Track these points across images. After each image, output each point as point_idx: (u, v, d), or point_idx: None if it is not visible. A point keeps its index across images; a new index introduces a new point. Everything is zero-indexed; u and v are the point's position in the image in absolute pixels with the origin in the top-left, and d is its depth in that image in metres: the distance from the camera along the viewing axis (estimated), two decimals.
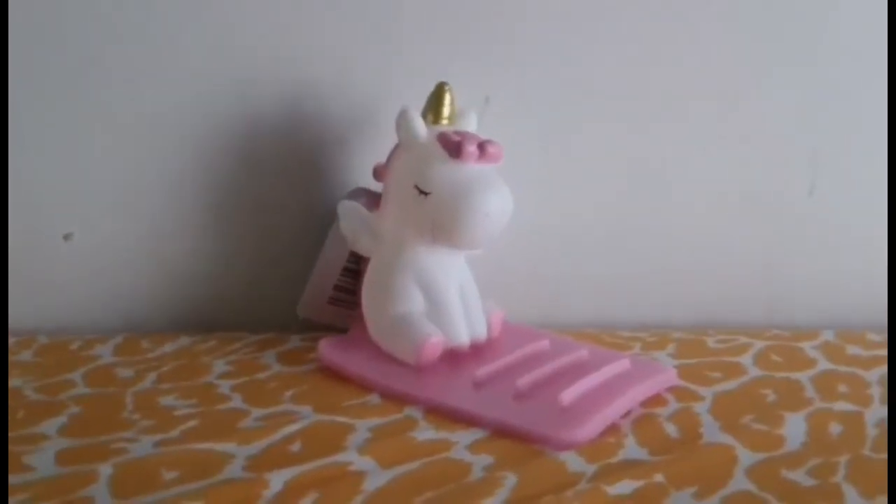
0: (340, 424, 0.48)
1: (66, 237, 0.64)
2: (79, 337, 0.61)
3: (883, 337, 0.63)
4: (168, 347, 0.60)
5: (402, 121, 0.55)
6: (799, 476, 0.44)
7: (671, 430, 0.49)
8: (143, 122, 0.63)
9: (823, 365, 0.58)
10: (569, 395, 0.50)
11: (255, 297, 0.66)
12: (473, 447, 0.46)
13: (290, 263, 0.64)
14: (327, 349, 0.57)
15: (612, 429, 0.48)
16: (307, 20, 0.63)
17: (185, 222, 0.65)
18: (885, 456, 0.46)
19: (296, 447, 0.46)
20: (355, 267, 0.61)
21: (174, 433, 0.47)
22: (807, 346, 0.62)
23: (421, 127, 0.55)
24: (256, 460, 0.44)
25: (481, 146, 0.54)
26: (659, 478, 0.43)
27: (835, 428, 0.49)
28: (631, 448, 0.46)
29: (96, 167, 0.63)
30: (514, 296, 0.63)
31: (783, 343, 0.62)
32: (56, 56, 0.62)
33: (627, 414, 0.50)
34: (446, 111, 0.57)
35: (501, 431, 0.48)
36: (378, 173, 0.58)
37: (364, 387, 0.53)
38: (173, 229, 0.65)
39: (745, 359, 0.59)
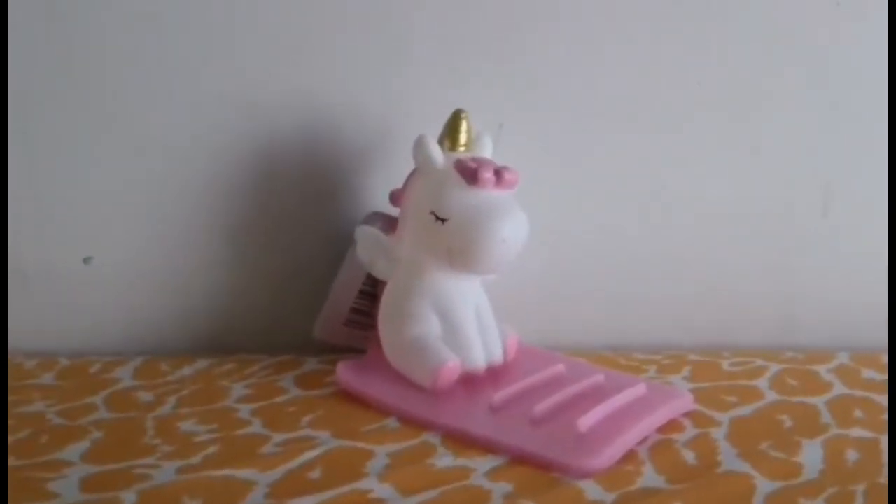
0: (359, 450, 0.49)
1: (86, 261, 0.65)
2: (99, 359, 0.62)
3: None
4: (187, 370, 0.60)
5: (420, 148, 0.56)
6: None
7: (689, 456, 0.49)
8: (162, 148, 0.64)
9: (839, 389, 0.58)
10: (586, 421, 0.50)
11: (274, 318, 0.67)
12: (492, 474, 0.47)
13: (308, 286, 0.65)
14: (345, 373, 0.57)
15: (630, 456, 0.49)
16: (323, 49, 0.63)
17: (204, 246, 0.65)
18: None
19: (316, 474, 0.46)
20: (371, 290, 0.61)
21: (195, 459, 0.47)
22: (822, 370, 0.62)
23: (438, 154, 0.56)
24: (278, 487, 0.45)
25: (498, 173, 0.54)
26: None
27: (851, 455, 0.49)
28: (649, 476, 0.47)
29: (116, 192, 0.64)
30: (530, 318, 0.64)
31: (798, 366, 0.62)
32: (76, 83, 0.62)
33: (644, 440, 0.51)
34: (463, 138, 0.57)
35: (519, 458, 0.48)
36: (395, 198, 0.58)
37: (382, 411, 0.54)
38: (192, 253, 0.65)
39: (761, 382, 0.59)
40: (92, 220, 0.64)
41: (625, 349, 0.67)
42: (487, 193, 0.54)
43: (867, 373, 0.61)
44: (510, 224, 0.54)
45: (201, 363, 0.62)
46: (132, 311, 0.66)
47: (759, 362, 0.63)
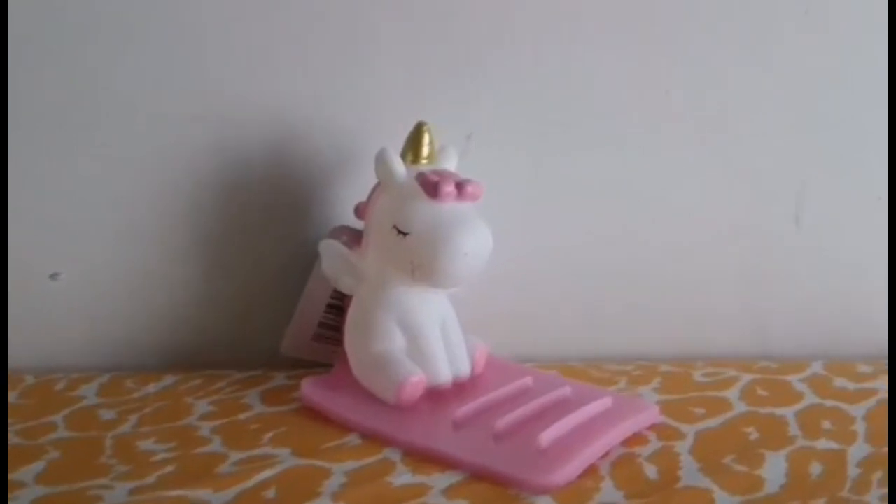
0: (317, 468, 0.48)
1: (53, 276, 0.64)
2: (65, 376, 0.62)
3: (872, 368, 0.63)
4: (152, 387, 0.60)
5: (381, 161, 0.55)
6: None
7: (650, 471, 0.48)
8: (129, 163, 0.63)
9: (810, 399, 0.58)
10: (548, 436, 0.50)
11: (243, 333, 0.67)
12: (449, 492, 0.46)
13: (276, 300, 0.64)
14: (309, 389, 0.57)
15: (591, 471, 0.48)
16: (288, 62, 0.63)
17: (172, 261, 0.65)
18: (863, 498, 0.45)
19: (271, 493, 0.45)
20: (339, 304, 0.61)
21: (150, 479, 0.47)
22: (794, 380, 0.61)
23: (399, 167, 0.55)
24: None
25: (459, 186, 0.54)
26: None
27: (815, 468, 0.48)
28: (608, 491, 0.46)
29: (83, 206, 0.64)
30: (500, 330, 0.63)
31: (770, 376, 0.62)
32: (45, 94, 0.62)
33: (608, 454, 0.50)
34: (425, 150, 0.57)
35: (479, 474, 0.48)
36: (359, 212, 0.58)
37: (345, 427, 0.53)
38: (160, 268, 0.65)
39: (731, 393, 0.59)
40: (58, 236, 0.64)
41: (598, 360, 0.66)
42: (449, 207, 0.54)
43: (839, 382, 0.60)
44: (472, 237, 0.53)
45: (168, 380, 0.61)
46: (100, 327, 0.65)
47: (732, 373, 0.62)
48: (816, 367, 0.63)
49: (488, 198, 0.55)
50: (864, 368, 0.63)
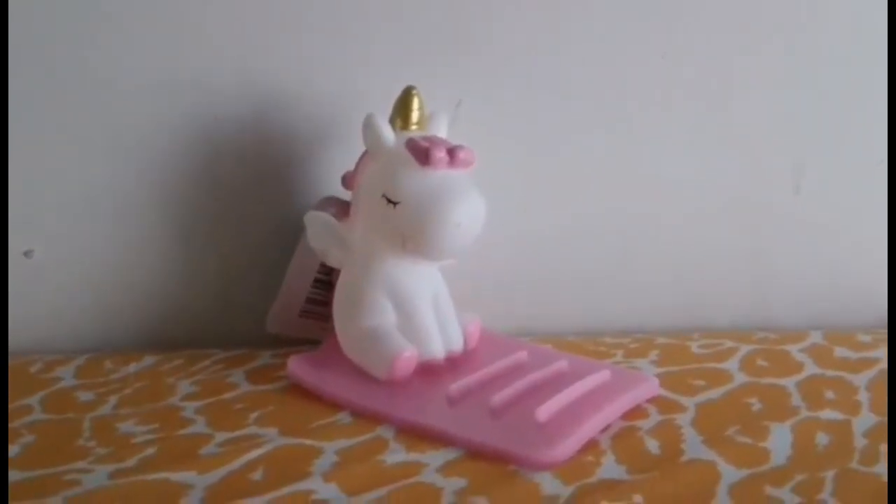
0: (307, 448, 0.46)
1: (27, 254, 0.62)
2: (41, 358, 0.59)
3: (872, 337, 0.61)
4: (132, 368, 0.58)
5: (369, 127, 0.53)
6: (784, 493, 0.42)
7: (652, 445, 0.47)
8: (104, 135, 0.61)
9: (811, 369, 0.56)
10: (545, 410, 0.48)
11: (225, 311, 0.64)
12: (445, 469, 0.44)
13: (260, 276, 0.62)
14: (297, 366, 0.55)
15: (591, 445, 0.46)
16: (271, 28, 0.60)
17: (151, 235, 0.63)
18: (872, 469, 0.44)
19: (258, 475, 0.43)
20: (327, 278, 0.59)
21: (131, 462, 0.45)
22: (794, 350, 0.60)
23: (388, 133, 0.53)
24: (215, 490, 0.42)
25: (451, 152, 0.51)
26: (638, 499, 0.41)
27: (821, 439, 0.47)
28: (609, 466, 0.44)
29: (58, 182, 0.61)
30: (494, 304, 0.62)
31: (770, 347, 0.60)
32: (16, 68, 0.59)
33: (607, 428, 0.49)
34: (415, 116, 0.55)
35: (476, 451, 0.46)
36: (347, 181, 0.56)
37: (335, 405, 0.51)
38: (138, 243, 0.63)
39: (731, 364, 0.57)
40: (32, 211, 0.61)
41: (595, 333, 0.64)
42: (441, 174, 0.51)
43: (840, 351, 0.59)
44: (464, 206, 0.51)
45: (148, 360, 0.59)
46: (76, 305, 0.63)
47: (729, 344, 0.61)
48: (816, 337, 0.62)
49: (480, 169, 0.53)
50: (864, 338, 0.62)
